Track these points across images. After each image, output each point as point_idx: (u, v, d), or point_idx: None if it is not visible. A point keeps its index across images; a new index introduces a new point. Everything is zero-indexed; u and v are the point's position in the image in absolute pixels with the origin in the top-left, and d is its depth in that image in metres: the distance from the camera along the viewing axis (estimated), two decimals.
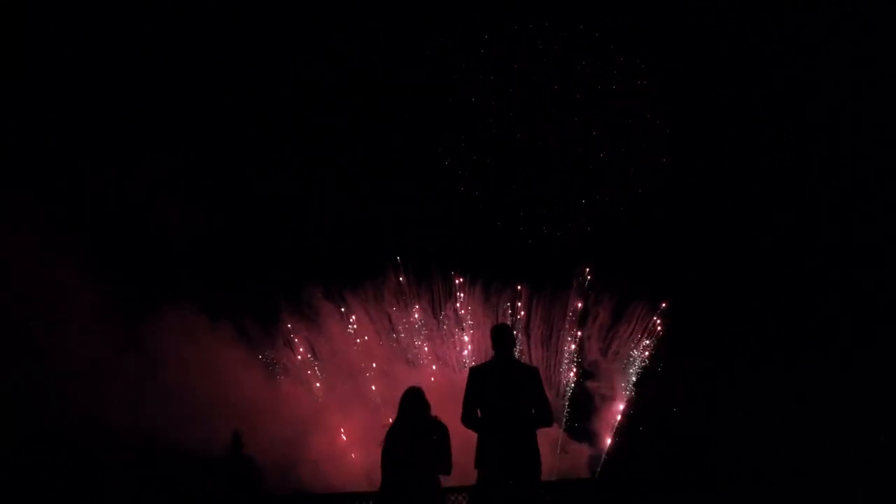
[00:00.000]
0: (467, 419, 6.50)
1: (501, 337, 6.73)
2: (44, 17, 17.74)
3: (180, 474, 15.00)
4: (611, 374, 20.26)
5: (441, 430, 6.43)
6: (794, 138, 20.00)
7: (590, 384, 20.22)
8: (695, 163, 20.64)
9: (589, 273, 20.42)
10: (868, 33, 18.17)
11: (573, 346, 20.34)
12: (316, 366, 19.70)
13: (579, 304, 20.35)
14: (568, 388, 20.25)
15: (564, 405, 20.00)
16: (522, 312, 20.45)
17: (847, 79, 18.91)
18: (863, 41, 18.34)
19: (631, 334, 20.42)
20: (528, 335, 20.32)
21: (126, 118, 18.36)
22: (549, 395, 19.42)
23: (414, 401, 6.46)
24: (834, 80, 19.09)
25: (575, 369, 20.32)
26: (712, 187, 20.66)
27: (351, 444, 18.11)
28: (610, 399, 20.05)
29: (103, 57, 18.34)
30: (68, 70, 17.85)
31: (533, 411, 6.48)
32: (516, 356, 6.99)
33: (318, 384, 19.47)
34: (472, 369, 6.81)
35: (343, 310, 19.97)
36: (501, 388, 6.46)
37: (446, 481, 6.62)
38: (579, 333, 20.32)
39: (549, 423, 6.66)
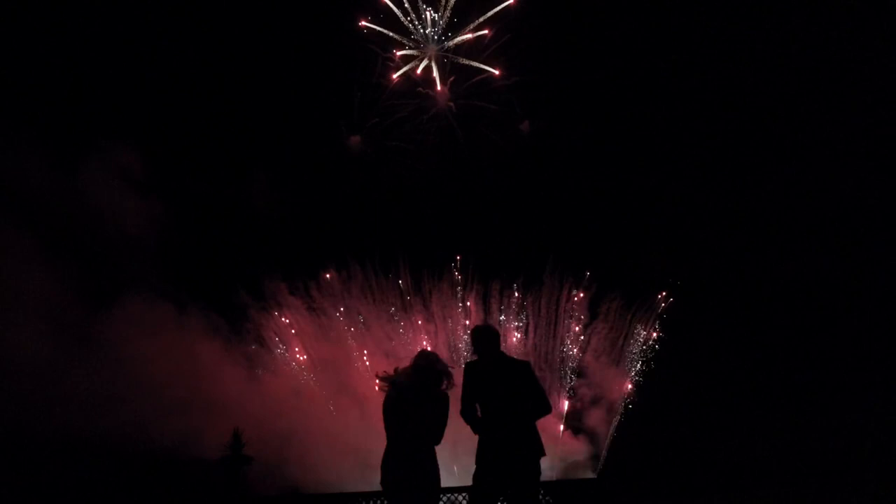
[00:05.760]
0: (467, 414, 6.48)
1: (487, 337, 6.65)
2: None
3: (178, 474, 14.87)
4: (600, 373, 20.24)
5: (442, 400, 6.37)
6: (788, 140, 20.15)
7: (580, 383, 20.21)
8: (690, 162, 20.75)
9: (588, 277, 20.50)
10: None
11: (559, 344, 20.26)
12: (293, 361, 19.62)
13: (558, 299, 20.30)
14: (557, 387, 20.28)
15: (565, 406, 20.02)
16: (498, 308, 20.37)
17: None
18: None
19: (610, 330, 20.35)
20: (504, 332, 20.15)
21: (85, 109, 18.20)
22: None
23: (427, 367, 6.35)
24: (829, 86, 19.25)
25: (561, 367, 20.30)
26: (709, 188, 20.70)
27: (340, 437, 18.14)
28: (603, 398, 20.04)
29: (62, 51, 18.23)
30: (30, 62, 17.77)
31: (530, 404, 6.45)
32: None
33: (298, 379, 19.41)
34: (468, 365, 6.71)
35: (312, 305, 19.88)
36: (498, 387, 6.46)
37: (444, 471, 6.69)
38: (560, 331, 20.31)
39: (548, 411, 6.67)
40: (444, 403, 6.32)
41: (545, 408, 6.61)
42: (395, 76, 22.09)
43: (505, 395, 6.44)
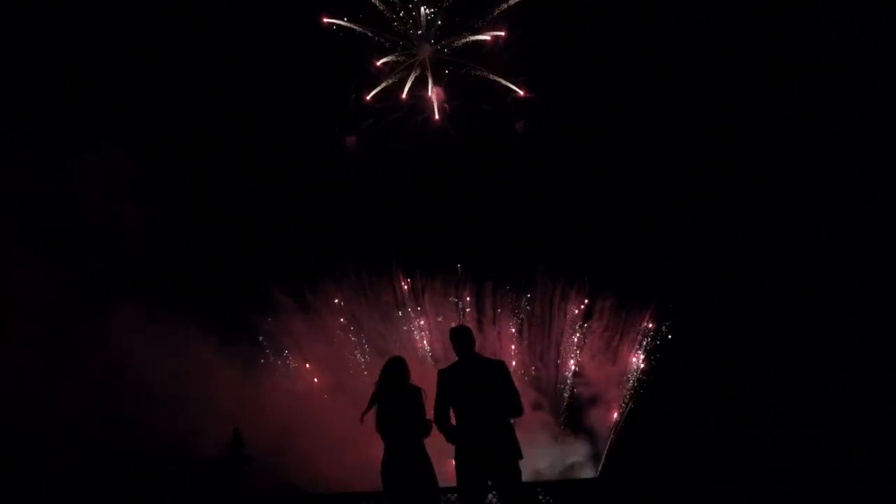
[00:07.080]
0: (440, 421, 6.58)
1: (461, 338, 6.89)
2: None
3: (177, 474, 14.85)
4: (597, 372, 20.23)
5: (414, 393, 6.82)
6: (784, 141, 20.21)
7: (577, 382, 20.21)
8: (690, 162, 20.77)
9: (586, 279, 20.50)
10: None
11: (554, 343, 20.31)
12: (289, 361, 19.77)
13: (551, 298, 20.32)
14: (559, 386, 20.26)
15: (562, 404, 20.02)
16: (492, 306, 20.26)
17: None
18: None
19: (605, 330, 20.37)
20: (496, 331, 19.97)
21: (82, 109, 18.29)
22: (534, 393, 19.59)
23: (392, 370, 6.95)
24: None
25: (559, 367, 20.31)
26: (707, 186, 20.72)
27: (338, 436, 18.12)
28: (601, 398, 20.03)
29: (60, 51, 18.33)
30: (28, 61, 17.81)
31: (505, 403, 6.60)
32: (481, 353, 7.16)
33: (295, 379, 19.54)
34: (440, 372, 6.83)
35: (307, 305, 19.99)
36: (473, 387, 6.57)
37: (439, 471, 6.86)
38: (555, 330, 20.34)
39: (520, 412, 6.77)
40: (416, 396, 6.77)
41: (517, 409, 6.69)
42: (374, 92, 21.84)
43: (480, 395, 6.54)
